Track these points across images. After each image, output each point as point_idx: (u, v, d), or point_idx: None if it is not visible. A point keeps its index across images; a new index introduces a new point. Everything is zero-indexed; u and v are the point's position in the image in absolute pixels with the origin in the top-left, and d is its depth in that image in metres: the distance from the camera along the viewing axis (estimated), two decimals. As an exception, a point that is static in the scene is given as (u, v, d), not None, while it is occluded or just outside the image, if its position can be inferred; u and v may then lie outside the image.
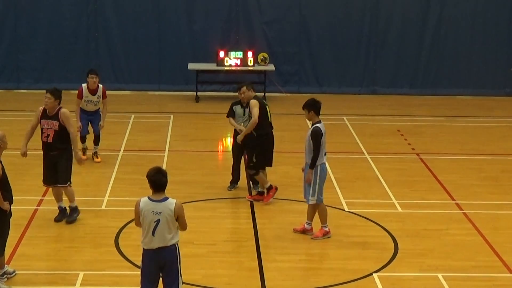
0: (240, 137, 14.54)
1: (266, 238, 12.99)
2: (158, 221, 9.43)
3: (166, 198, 9.48)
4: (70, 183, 13.21)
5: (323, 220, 13.00)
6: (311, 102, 12.76)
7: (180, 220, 9.52)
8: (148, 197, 9.52)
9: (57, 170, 13.07)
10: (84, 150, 16.69)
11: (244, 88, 14.63)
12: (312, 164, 12.62)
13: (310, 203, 12.88)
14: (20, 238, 12.64)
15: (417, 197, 15.15)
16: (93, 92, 16.34)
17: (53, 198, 13.43)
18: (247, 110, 14.71)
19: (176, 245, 9.61)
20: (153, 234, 9.48)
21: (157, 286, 9.69)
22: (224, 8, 23.56)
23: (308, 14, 23.63)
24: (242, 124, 14.80)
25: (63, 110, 13.00)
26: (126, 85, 23.52)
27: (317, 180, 12.72)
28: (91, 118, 16.56)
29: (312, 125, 12.74)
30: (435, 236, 13.24)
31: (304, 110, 12.79)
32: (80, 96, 16.32)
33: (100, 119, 16.58)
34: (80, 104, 16.39)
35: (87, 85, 16.36)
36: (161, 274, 9.67)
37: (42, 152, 13.19)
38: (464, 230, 13.55)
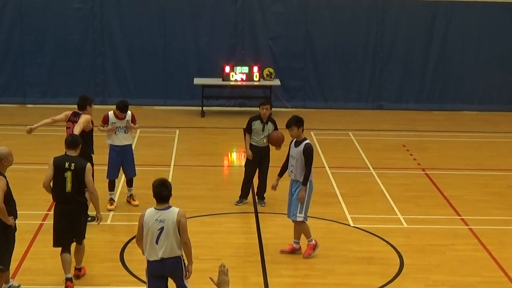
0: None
1: (271, 253, 12.97)
2: (161, 228, 9.48)
3: (170, 207, 9.57)
4: None
5: (308, 235, 12.75)
6: (299, 119, 12.50)
7: (181, 230, 9.49)
8: (154, 207, 9.62)
9: None
10: (111, 201, 14.90)
11: (269, 106, 14.75)
12: (305, 181, 12.37)
13: (297, 220, 12.55)
14: (26, 252, 12.64)
15: (423, 212, 15.12)
16: (120, 118, 14.61)
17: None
18: (266, 126, 14.74)
19: (182, 257, 9.64)
20: (156, 242, 9.51)
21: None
22: (230, 23, 23.62)
23: (313, 29, 23.67)
24: (264, 139, 14.81)
25: None
26: (132, 100, 23.25)
27: (308, 197, 12.54)
28: (121, 160, 14.73)
29: (302, 142, 12.48)
30: (441, 252, 13.22)
31: (292, 127, 12.40)
32: (105, 121, 14.60)
33: (133, 161, 14.90)
34: (106, 132, 14.66)
35: (114, 112, 14.68)
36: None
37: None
38: (470, 246, 13.53)
